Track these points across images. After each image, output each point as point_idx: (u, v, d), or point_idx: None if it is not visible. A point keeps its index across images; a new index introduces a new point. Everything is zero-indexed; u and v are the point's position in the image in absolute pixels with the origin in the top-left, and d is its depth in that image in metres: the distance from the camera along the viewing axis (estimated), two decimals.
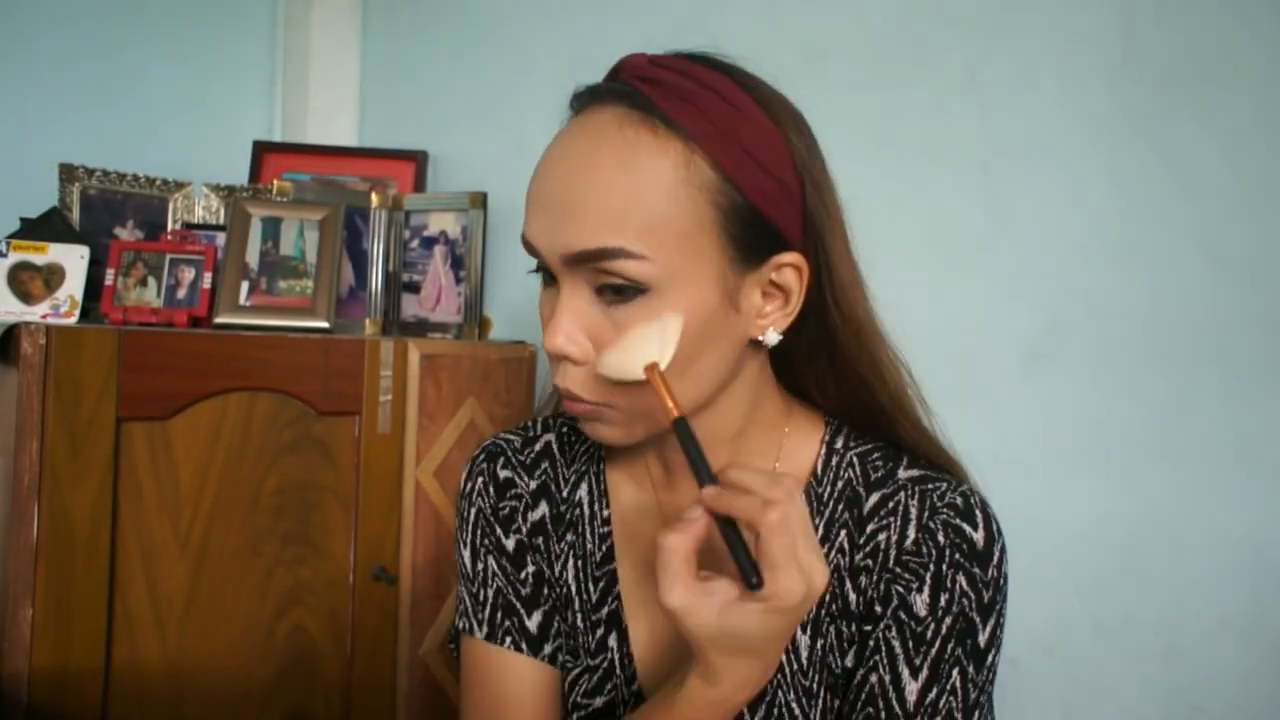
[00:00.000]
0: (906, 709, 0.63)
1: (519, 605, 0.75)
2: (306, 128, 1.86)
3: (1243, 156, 0.93)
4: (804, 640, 0.68)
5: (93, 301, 1.27)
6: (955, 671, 0.63)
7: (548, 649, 0.75)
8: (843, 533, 0.69)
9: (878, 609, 0.66)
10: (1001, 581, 0.66)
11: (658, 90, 0.60)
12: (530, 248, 0.63)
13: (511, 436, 0.81)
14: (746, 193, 0.60)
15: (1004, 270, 1.08)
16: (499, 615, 0.75)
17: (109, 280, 1.29)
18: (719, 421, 0.67)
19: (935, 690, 0.63)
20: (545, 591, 0.76)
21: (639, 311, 0.59)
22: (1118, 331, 1.00)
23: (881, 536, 0.67)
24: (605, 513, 0.76)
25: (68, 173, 1.41)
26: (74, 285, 1.23)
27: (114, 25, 1.65)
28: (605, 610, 0.74)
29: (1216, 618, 0.94)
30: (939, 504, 0.67)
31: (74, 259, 1.24)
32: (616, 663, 0.73)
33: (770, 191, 0.61)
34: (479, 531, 0.78)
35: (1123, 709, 0.99)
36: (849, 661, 0.67)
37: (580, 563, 0.76)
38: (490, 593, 0.76)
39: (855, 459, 0.71)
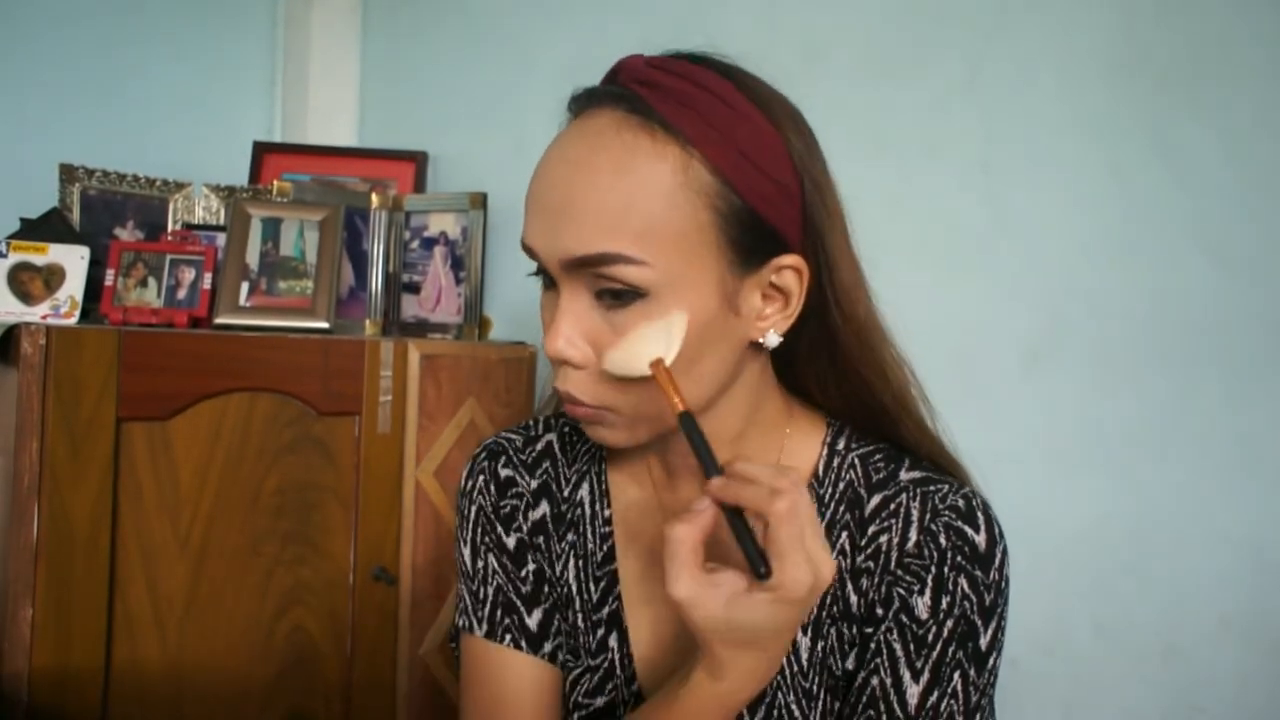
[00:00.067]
0: (908, 712, 0.63)
1: (519, 603, 0.75)
2: (306, 128, 1.85)
3: (1243, 156, 0.93)
4: (804, 642, 0.68)
5: (93, 302, 1.27)
6: (956, 674, 0.63)
7: (548, 647, 0.74)
8: (844, 534, 0.69)
9: (879, 611, 0.66)
10: (1003, 584, 0.66)
11: (655, 93, 0.60)
12: (530, 252, 0.63)
13: (513, 435, 0.81)
14: (745, 195, 0.59)
15: (1004, 270, 1.08)
16: (499, 613, 0.75)
17: (109, 281, 1.29)
18: (719, 424, 0.67)
19: (936, 693, 0.63)
20: (545, 590, 0.76)
21: (638, 316, 0.59)
22: (1118, 331, 1.00)
23: (883, 538, 0.67)
24: (606, 513, 0.76)
25: (68, 173, 1.41)
26: (74, 286, 1.23)
27: (114, 25, 1.65)
28: (606, 610, 0.74)
29: (1216, 618, 0.94)
30: (941, 506, 0.66)
31: (74, 259, 1.24)
32: (617, 663, 0.73)
33: (769, 194, 0.60)
34: (479, 529, 0.78)
35: (1123, 709, 0.99)
36: (850, 664, 0.67)
37: (581, 562, 0.76)
38: (490, 590, 0.76)
39: (857, 460, 0.71)
